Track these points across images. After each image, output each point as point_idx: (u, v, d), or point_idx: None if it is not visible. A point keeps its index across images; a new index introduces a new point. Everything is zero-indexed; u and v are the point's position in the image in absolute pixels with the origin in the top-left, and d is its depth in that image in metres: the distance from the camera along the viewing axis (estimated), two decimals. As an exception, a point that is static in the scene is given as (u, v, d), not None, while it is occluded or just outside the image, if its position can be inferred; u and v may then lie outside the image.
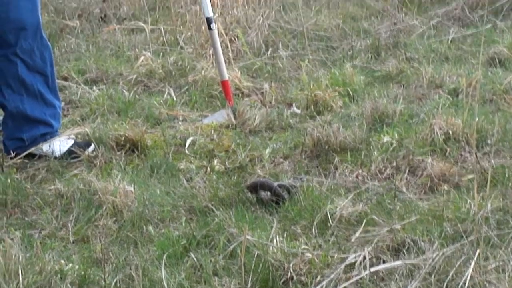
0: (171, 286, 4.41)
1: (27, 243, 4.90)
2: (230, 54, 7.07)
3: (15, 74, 5.98)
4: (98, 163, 5.98)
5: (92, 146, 6.20)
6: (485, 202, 4.99)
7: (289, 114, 6.71)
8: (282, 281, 4.36)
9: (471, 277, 4.14)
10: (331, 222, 4.98)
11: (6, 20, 5.81)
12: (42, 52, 6.09)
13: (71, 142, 6.18)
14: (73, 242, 4.97)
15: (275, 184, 5.41)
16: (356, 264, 4.38)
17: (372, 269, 4.33)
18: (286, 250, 4.56)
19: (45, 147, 6.09)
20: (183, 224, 5.13)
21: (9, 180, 5.70)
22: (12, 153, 6.06)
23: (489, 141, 5.96)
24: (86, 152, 6.12)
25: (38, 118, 6.07)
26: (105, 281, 4.51)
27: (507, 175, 5.42)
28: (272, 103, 6.90)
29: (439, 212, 5.05)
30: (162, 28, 8.73)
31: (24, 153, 6.04)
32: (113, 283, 4.50)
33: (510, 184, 5.30)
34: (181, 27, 8.61)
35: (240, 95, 6.92)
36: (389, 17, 8.99)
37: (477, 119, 6.16)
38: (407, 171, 5.69)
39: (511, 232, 4.69)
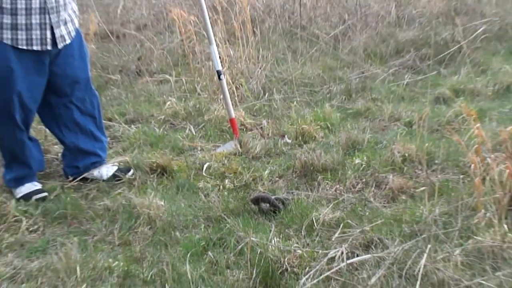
0: (194, 277, 4.46)
1: (83, 246, 4.96)
2: (236, 98, 7.11)
3: (71, 117, 6.02)
4: (136, 184, 6.01)
5: (131, 171, 6.23)
6: (433, 208, 5.04)
7: (282, 143, 6.75)
8: (279, 272, 4.43)
9: (424, 266, 4.19)
10: (316, 226, 5.04)
11: (63, 76, 5.85)
12: (91, 99, 6.13)
13: (115, 168, 6.21)
14: (118, 245, 5.02)
15: (273, 197, 5.47)
16: (335, 258, 4.44)
17: (348, 261, 4.39)
18: (281, 248, 4.64)
19: (95, 172, 6.12)
20: (202, 229, 5.18)
21: (68, 198, 5.76)
22: (70, 177, 6.09)
23: (436, 161, 6.00)
24: (127, 176, 6.15)
25: (89, 151, 6.11)
26: (143, 274, 4.58)
27: (450, 187, 5.46)
28: (269, 135, 6.94)
29: (399, 216, 5.10)
30: (183, 79, 8.75)
31: (79, 178, 6.07)
32: (149, 276, 4.56)
33: (452, 194, 5.33)
34: (198, 78, 8.64)
35: (244, 129, 6.95)
36: (358, 67, 9.00)
37: (426, 144, 6.22)
38: (373, 185, 5.74)
39: (454, 231, 4.71)
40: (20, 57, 5.55)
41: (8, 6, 5.35)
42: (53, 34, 5.61)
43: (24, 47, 5.54)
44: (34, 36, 5.54)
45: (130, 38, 10.34)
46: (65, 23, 5.72)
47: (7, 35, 5.44)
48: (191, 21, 9.22)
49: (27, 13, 5.44)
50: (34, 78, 5.72)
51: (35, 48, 5.58)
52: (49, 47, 5.64)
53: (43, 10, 5.50)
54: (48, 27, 5.57)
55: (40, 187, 5.91)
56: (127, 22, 11.17)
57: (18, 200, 5.73)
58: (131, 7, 11.84)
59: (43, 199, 5.78)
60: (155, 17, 11.24)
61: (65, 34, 5.73)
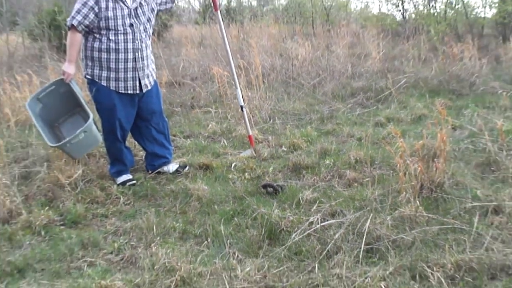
0: (225, 233, 4.51)
1: (157, 214, 4.98)
2: (252, 122, 7.10)
3: (150, 134, 6.05)
4: (190, 175, 6.02)
5: (187, 167, 6.22)
6: (374, 191, 5.04)
7: (281, 151, 6.73)
8: (278, 230, 4.46)
9: (368, 226, 4.19)
10: (301, 202, 5.05)
11: (146, 108, 5.90)
12: (163, 123, 6.15)
13: (177, 165, 6.21)
14: (179, 213, 5.06)
15: (275, 184, 5.47)
16: (314, 222, 4.46)
17: (321, 224, 4.41)
18: (280, 216, 4.64)
19: (165, 168, 6.13)
20: (231, 204, 5.20)
21: (148, 184, 5.78)
22: (149, 171, 6.12)
23: (376, 162, 5.97)
24: (184, 170, 6.15)
25: (161, 155, 6.12)
26: (194, 231, 4.62)
27: (384, 178, 5.46)
28: (273, 145, 6.92)
29: (353, 196, 5.10)
30: (219, 111, 8.77)
31: (155, 171, 6.09)
32: (198, 233, 4.58)
33: (386, 183, 5.33)
34: (229, 110, 8.64)
35: (257, 142, 6.94)
36: (328, 104, 8.96)
37: (370, 151, 6.20)
38: (337, 177, 5.73)
39: (386, 205, 4.71)
40: (120, 97, 5.65)
41: (113, 66, 5.51)
42: (140, 83, 5.70)
43: (123, 92, 5.64)
44: (129, 85, 5.64)
45: (187, 85, 10.35)
46: (148, 77, 5.79)
47: (112, 84, 5.58)
48: (225, 75, 9.23)
49: (125, 71, 5.56)
50: (129, 109, 5.80)
51: (129, 92, 5.68)
52: (138, 92, 5.73)
53: (135, 69, 5.61)
54: (137, 79, 5.67)
55: (131, 177, 5.93)
56: (185, 75, 11.18)
57: (118, 185, 5.76)
58: (188, 66, 11.85)
59: (133, 184, 5.80)
60: (202, 72, 11.24)
61: (147, 83, 5.81)
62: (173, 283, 3.72)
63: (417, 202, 4.65)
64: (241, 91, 6.82)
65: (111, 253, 4.36)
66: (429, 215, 4.50)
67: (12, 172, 5.93)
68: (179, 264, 3.94)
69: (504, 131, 6.12)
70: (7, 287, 3.90)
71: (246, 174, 6.02)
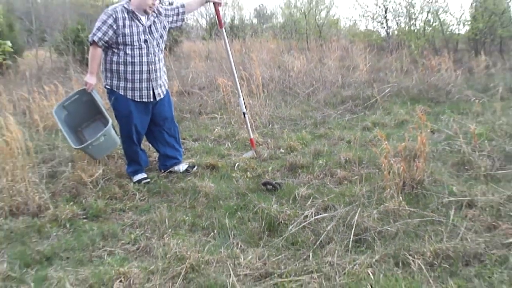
0: (230, 226, 4.51)
1: (169, 209, 4.98)
2: (253, 126, 7.09)
3: (163, 138, 6.05)
4: (198, 174, 6.01)
5: (196, 167, 6.21)
6: (362, 188, 5.03)
7: (279, 153, 6.72)
8: (277, 223, 4.45)
9: (356, 219, 4.16)
10: (297, 198, 5.03)
11: (159, 115, 5.91)
12: (174, 128, 6.15)
13: (186, 165, 6.19)
14: (188, 208, 5.04)
15: (274, 182, 5.45)
16: (308, 215, 4.45)
17: (315, 217, 4.39)
18: (278, 210, 4.62)
19: (176, 168, 6.11)
20: (234, 199, 5.19)
21: (161, 182, 5.78)
22: (162, 171, 6.11)
23: (363, 162, 5.96)
24: (193, 170, 6.14)
25: (173, 156, 6.11)
26: (202, 224, 4.60)
27: (371, 176, 5.44)
28: (272, 147, 6.91)
29: (343, 192, 5.09)
30: (224, 117, 8.76)
31: (167, 171, 6.08)
32: (205, 225, 4.56)
33: (372, 180, 5.33)
34: (232, 116, 8.63)
35: (258, 144, 6.93)
36: (320, 110, 8.95)
37: (358, 153, 6.19)
38: (329, 175, 5.71)
39: (373, 200, 4.70)
40: (136, 105, 5.68)
41: (130, 78, 5.56)
42: (154, 93, 5.73)
43: (138, 100, 5.67)
44: (144, 94, 5.67)
45: (195, 94, 10.34)
46: (161, 86, 5.81)
47: (129, 94, 5.62)
48: (229, 85, 9.24)
49: (140, 82, 5.60)
50: (143, 116, 5.81)
51: (144, 100, 5.70)
52: (151, 100, 5.75)
53: (149, 80, 5.65)
54: (151, 89, 5.70)
55: (146, 176, 5.91)
56: (193, 85, 11.17)
57: (134, 183, 5.75)
58: (196, 77, 11.85)
59: (147, 182, 5.79)
60: (209, 82, 11.24)
61: (160, 92, 5.82)
62: (183, 270, 3.73)
63: (400, 197, 4.65)
64: (243, 99, 6.81)
65: (128, 243, 4.36)
66: (410, 209, 4.50)
67: (40, 171, 5.95)
68: (188, 253, 3.95)
69: (477, 134, 6.13)
70: (36, 273, 3.92)
71: (248, 173, 6.01)
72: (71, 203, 5.16)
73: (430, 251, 3.76)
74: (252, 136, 6.78)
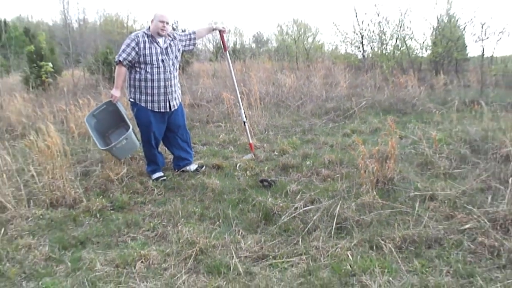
0: (232, 216, 4.49)
1: (181, 202, 4.96)
2: (252, 133, 7.07)
3: (177, 142, 6.02)
4: (206, 173, 5.99)
5: (204, 167, 6.19)
6: (342, 184, 5.03)
7: (273, 155, 6.71)
8: (272, 214, 4.44)
9: (338, 211, 4.15)
10: (289, 193, 5.01)
11: (173, 123, 5.89)
12: (186, 134, 6.13)
13: (196, 165, 6.17)
14: (198, 201, 5.02)
15: (269, 179, 5.43)
16: (298, 207, 4.42)
17: (303, 209, 4.39)
18: (273, 203, 4.61)
19: (187, 167, 6.08)
20: (236, 194, 5.16)
21: (175, 179, 5.75)
22: (176, 170, 6.07)
23: (344, 163, 5.94)
24: (202, 169, 6.12)
25: (185, 158, 6.09)
26: (209, 215, 4.61)
27: (350, 175, 5.42)
28: (267, 151, 6.89)
29: (327, 188, 5.07)
30: (228, 125, 8.74)
31: (180, 170, 6.05)
32: (211, 216, 4.54)
33: (351, 178, 5.31)
34: (234, 124, 8.62)
35: (256, 148, 6.90)
36: (308, 120, 8.94)
37: (339, 155, 6.18)
38: (315, 174, 5.68)
39: (351, 195, 4.69)
40: (155, 115, 5.69)
41: (149, 92, 5.60)
42: (169, 104, 5.74)
43: (157, 110, 5.69)
44: (161, 105, 5.69)
45: (203, 106, 10.32)
46: (175, 99, 5.82)
47: (149, 105, 5.64)
48: (231, 98, 9.23)
49: (158, 95, 5.63)
50: (160, 124, 5.81)
51: (161, 110, 5.72)
52: (167, 110, 5.76)
53: (165, 94, 5.67)
54: (167, 101, 5.72)
55: (163, 174, 5.89)
56: (202, 99, 11.14)
57: (152, 180, 5.73)
58: (204, 92, 11.82)
59: (164, 180, 5.77)
60: (215, 96, 11.21)
61: (175, 104, 5.82)
62: (194, 253, 3.72)
63: (374, 192, 4.63)
64: (244, 110, 6.79)
65: (148, 230, 4.35)
66: (382, 201, 4.49)
67: (75, 170, 5.95)
68: (198, 238, 3.95)
69: (437, 140, 6.13)
70: (72, 254, 3.94)
71: (247, 172, 5.98)
72: (101, 196, 5.17)
73: (399, 237, 3.77)
74: (251, 141, 6.76)
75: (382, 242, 3.74)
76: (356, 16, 16.91)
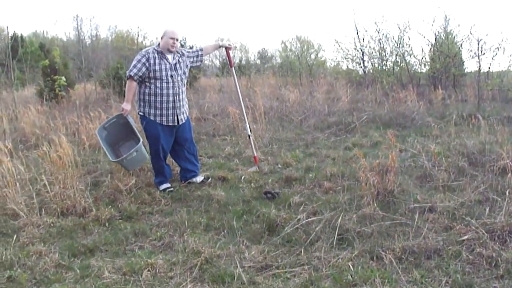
0: (237, 227, 4.47)
1: (188, 212, 4.93)
2: (256, 146, 7.04)
3: (184, 155, 6.01)
4: (211, 184, 5.97)
5: (210, 179, 6.16)
6: (344, 197, 5.00)
7: (277, 168, 6.68)
8: (275, 225, 4.40)
9: (339, 222, 4.12)
10: (292, 204, 4.98)
11: (181, 137, 5.89)
12: (193, 147, 6.13)
13: (202, 177, 6.13)
14: (204, 212, 5.00)
15: (273, 191, 5.40)
16: (300, 218, 4.39)
17: (306, 220, 4.36)
18: (276, 214, 4.59)
19: (194, 179, 6.04)
20: (241, 205, 5.13)
21: (181, 191, 5.72)
22: (182, 182, 6.04)
23: (345, 176, 5.90)
24: (208, 181, 6.08)
25: (192, 170, 6.06)
26: (214, 225, 4.58)
27: (351, 187, 5.39)
28: (271, 164, 6.86)
29: (329, 200, 5.04)
30: (233, 138, 8.74)
31: (186, 181, 6.02)
32: (217, 225, 4.53)
33: (352, 190, 5.28)
34: (240, 137, 8.61)
35: (260, 160, 6.88)
36: (311, 134, 8.92)
37: (341, 168, 6.14)
38: (318, 186, 5.64)
39: (352, 206, 4.67)
40: (163, 128, 5.70)
41: (159, 106, 5.62)
42: (177, 118, 5.75)
43: (165, 124, 5.70)
44: (169, 119, 5.70)
45: (210, 120, 10.32)
46: (183, 113, 5.84)
47: (158, 119, 5.67)
48: (237, 112, 9.24)
49: (167, 109, 5.65)
50: (169, 137, 5.81)
51: (170, 124, 5.73)
52: (175, 124, 5.76)
53: (174, 108, 5.70)
54: (175, 115, 5.74)
55: (170, 186, 5.87)
56: (208, 112, 11.16)
57: (160, 191, 5.71)
58: (210, 106, 11.84)
59: (171, 191, 5.75)
60: (221, 110, 11.21)
61: (183, 118, 5.83)
62: (199, 262, 3.69)
63: (375, 204, 4.60)
64: (249, 124, 6.78)
65: (155, 240, 4.33)
66: (383, 213, 4.45)
67: (86, 180, 5.94)
68: (203, 248, 3.92)
69: (436, 153, 6.09)
70: (81, 262, 3.92)
71: (252, 184, 5.95)
72: (110, 206, 5.15)
73: (399, 248, 3.74)
74: (255, 154, 6.74)
75: (383, 253, 3.70)
76: (357, 33, 16.91)
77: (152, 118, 5.67)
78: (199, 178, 6.15)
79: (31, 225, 4.65)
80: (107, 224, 4.73)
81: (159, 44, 5.75)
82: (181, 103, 5.81)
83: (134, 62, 5.57)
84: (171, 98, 5.66)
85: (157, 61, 5.58)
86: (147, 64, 5.53)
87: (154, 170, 5.99)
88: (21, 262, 3.89)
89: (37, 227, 4.63)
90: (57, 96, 13.44)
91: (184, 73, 5.87)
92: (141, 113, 5.73)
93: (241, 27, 67.07)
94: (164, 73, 5.59)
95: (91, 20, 46.20)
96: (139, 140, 5.63)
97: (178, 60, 5.79)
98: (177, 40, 5.73)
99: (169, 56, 5.71)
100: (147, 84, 5.61)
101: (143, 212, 5.08)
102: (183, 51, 5.96)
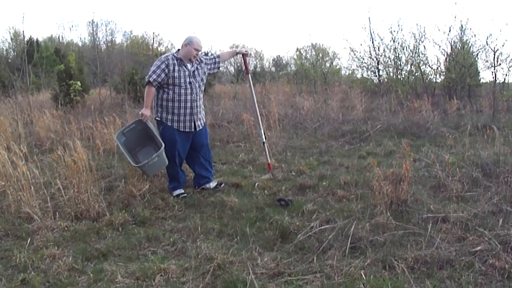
0: (250, 233, 4.49)
1: (201, 218, 4.94)
2: (270, 153, 7.06)
3: (199, 161, 6.06)
4: (225, 191, 5.99)
5: (223, 184, 6.21)
6: (357, 205, 5.00)
7: (291, 175, 6.69)
8: (288, 232, 4.41)
9: (352, 230, 4.13)
10: (305, 212, 4.99)
11: (197, 142, 5.96)
12: (209, 154, 6.18)
13: (216, 183, 6.19)
14: (217, 218, 5.01)
15: (286, 198, 5.42)
16: (313, 226, 4.40)
17: (319, 228, 4.35)
18: (289, 221, 4.61)
19: (207, 185, 6.09)
20: (254, 212, 5.15)
21: (195, 197, 5.76)
22: (196, 187, 6.08)
23: (359, 184, 5.91)
24: (221, 187, 6.13)
25: (206, 176, 6.10)
26: (228, 231, 4.58)
27: (365, 196, 5.40)
28: (285, 171, 6.88)
29: (342, 208, 5.04)
30: (247, 145, 8.78)
31: (200, 187, 6.07)
32: (230, 232, 4.55)
33: (366, 199, 5.28)
34: (254, 144, 8.64)
35: (274, 168, 6.89)
36: (325, 141, 8.92)
37: (355, 176, 6.16)
38: (331, 194, 5.65)
39: (366, 215, 4.66)
40: (180, 134, 5.77)
41: (176, 112, 5.71)
42: (195, 124, 5.84)
43: (182, 130, 5.77)
44: (187, 125, 5.79)
45: (224, 126, 10.36)
46: (200, 120, 5.93)
47: (175, 125, 5.75)
48: (251, 119, 9.27)
49: (184, 115, 5.75)
50: (185, 143, 5.87)
51: (187, 130, 5.80)
52: (192, 130, 5.85)
53: (191, 114, 5.79)
54: (193, 121, 5.83)
55: (183, 191, 5.91)
56: (223, 119, 11.21)
57: (173, 197, 5.75)
58: (225, 113, 11.90)
59: (185, 197, 5.79)
60: (235, 117, 11.25)
61: (199, 124, 5.92)
62: (212, 268, 3.71)
63: (388, 213, 4.60)
64: (263, 131, 6.81)
65: (168, 245, 4.36)
66: (396, 222, 4.44)
67: (100, 185, 5.98)
68: (216, 254, 3.94)
69: (450, 163, 6.07)
70: (95, 266, 3.95)
71: (265, 191, 5.97)
72: (123, 211, 5.19)
73: (412, 257, 3.74)
74: (269, 161, 6.76)
75: (395, 262, 3.70)
76: (373, 42, 16.89)
77: (169, 124, 5.74)
78: (212, 184, 6.19)
79: (45, 229, 4.70)
80: (120, 229, 4.76)
81: (178, 50, 5.84)
82: (199, 110, 5.90)
83: (153, 68, 5.64)
84: (189, 104, 5.74)
85: (176, 67, 5.65)
86: (166, 71, 5.60)
87: (168, 176, 6.03)
88: (35, 265, 3.93)
89: (51, 231, 4.68)
90: (72, 101, 13.52)
91: (202, 80, 5.94)
92: (158, 119, 5.80)
93: (256, 34, 67.31)
94: (182, 79, 5.67)
95: (107, 25, 46.69)
96: (158, 146, 5.67)
97: (197, 67, 5.87)
98: (200, 51, 5.83)
99: (188, 64, 5.78)
100: (166, 90, 5.69)
101: (156, 217, 5.11)
102: (201, 58, 6.03)
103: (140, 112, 5.77)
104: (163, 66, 5.61)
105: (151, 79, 5.58)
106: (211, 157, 6.33)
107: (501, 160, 6.12)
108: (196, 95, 5.82)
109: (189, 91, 5.73)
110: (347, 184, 6.01)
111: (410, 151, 5.75)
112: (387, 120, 10.48)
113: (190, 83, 5.73)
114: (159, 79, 5.59)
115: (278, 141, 8.70)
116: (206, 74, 6.08)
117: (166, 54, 5.82)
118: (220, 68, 6.61)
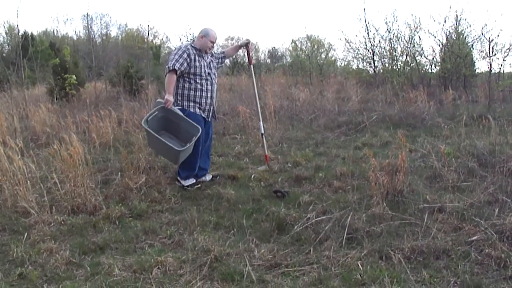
0: (247, 225, 4.49)
1: (197, 211, 4.95)
2: (267, 145, 7.05)
3: (204, 152, 6.09)
4: (221, 183, 6.00)
5: (218, 176, 6.21)
6: (353, 196, 5.00)
7: (287, 167, 6.70)
8: (285, 223, 4.42)
9: (349, 221, 4.16)
10: (301, 203, 5.00)
11: (207, 133, 6.04)
12: (210, 145, 6.25)
13: (211, 176, 6.19)
14: (214, 211, 5.02)
15: (283, 190, 5.42)
16: (310, 217, 4.40)
17: (315, 219, 4.35)
18: (286, 213, 4.61)
19: (203, 177, 6.10)
20: (250, 204, 5.16)
21: (191, 188, 5.75)
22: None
23: (355, 175, 5.91)
24: (217, 179, 6.13)
25: (204, 168, 6.09)
26: (224, 223, 4.58)
27: (361, 186, 5.40)
28: (281, 162, 6.89)
29: (338, 199, 5.05)
30: (243, 137, 8.78)
31: (199, 180, 6.05)
32: (227, 224, 4.55)
33: (362, 190, 5.29)
34: (250, 136, 8.64)
35: (271, 159, 6.90)
36: (321, 133, 8.94)
37: (351, 167, 6.15)
38: (327, 185, 5.68)
39: (362, 206, 4.67)
40: (202, 121, 5.85)
41: (198, 101, 5.82)
42: (213, 113, 6.08)
43: (204, 117, 5.90)
44: (206, 114, 5.94)
45: (220, 119, 10.29)
46: (214, 110, 6.12)
47: (197, 111, 5.79)
48: (247, 111, 9.28)
49: (205, 104, 5.88)
50: (204, 131, 5.88)
51: (206, 119, 5.98)
52: (209, 119, 6.03)
53: (211, 104, 5.96)
54: (212, 111, 6.05)
55: (196, 181, 5.97)
56: (219, 111, 11.08)
57: (185, 187, 5.82)
58: (221, 105, 11.84)
59: (199, 188, 5.86)
60: (231, 109, 11.23)
61: (215, 115, 6.16)
62: (209, 260, 3.72)
63: (384, 204, 4.61)
64: (262, 123, 6.82)
65: (165, 237, 4.36)
66: (392, 213, 4.46)
67: (96, 179, 5.96)
68: (213, 246, 3.95)
69: (446, 153, 6.08)
70: (92, 259, 3.95)
71: (261, 182, 5.98)
72: (120, 204, 5.18)
73: (408, 247, 3.74)
74: (266, 153, 6.77)
75: (392, 253, 3.71)
76: (368, 33, 16.87)
77: (192, 110, 5.77)
78: (208, 177, 6.20)
79: (42, 223, 4.69)
80: (117, 222, 4.76)
81: (193, 41, 5.97)
82: (215, 99, 6.07)
83: (175, 56, 5.65)
84: (209, 94, 5.87)
85: (196, 57, 5.76)
86: (188, 60, 5.67)
87: (184, 163, 5.87)
88: (32, 260, 3.93)
89: (48, 225, 4.67)
90: (67, 94, 13.50)
91: (215, 72, 6.05)
92: (179, 107, 5.76)
93: (251, 26, 67.11)
94: (203, 69, 5.79)
95: (101, 18, 46.47)
96: (170, 136, 5.77)
97: (211, 60, 6.02)
98: (215, 44, 6.01)
99: (204, 55, 5.87)
100: (186, 79, 5.74)
101: (153, 210, 5.11)
102: (212, 52, 6.13)
103: (164, 99, 5.65)
104: (185, 55, 5.66)
105: (175, 67, 5.59)
106: (210, 149, 6.37)
107: (497, 150, 6.13)
108: (213, 86, 5.94)
109: (209, 81, 5.85)
110: (343, 175, 6.01)
111: (406, 142, 5.77)
112: (382, 111, 10.49)
113: (208, 74, 5.85)
114: (182, 68, 5.63)
115: (274, 133, 8.71)
116: (217, 67, 6.24)
117: (185, 44, 5.91)
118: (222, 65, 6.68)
